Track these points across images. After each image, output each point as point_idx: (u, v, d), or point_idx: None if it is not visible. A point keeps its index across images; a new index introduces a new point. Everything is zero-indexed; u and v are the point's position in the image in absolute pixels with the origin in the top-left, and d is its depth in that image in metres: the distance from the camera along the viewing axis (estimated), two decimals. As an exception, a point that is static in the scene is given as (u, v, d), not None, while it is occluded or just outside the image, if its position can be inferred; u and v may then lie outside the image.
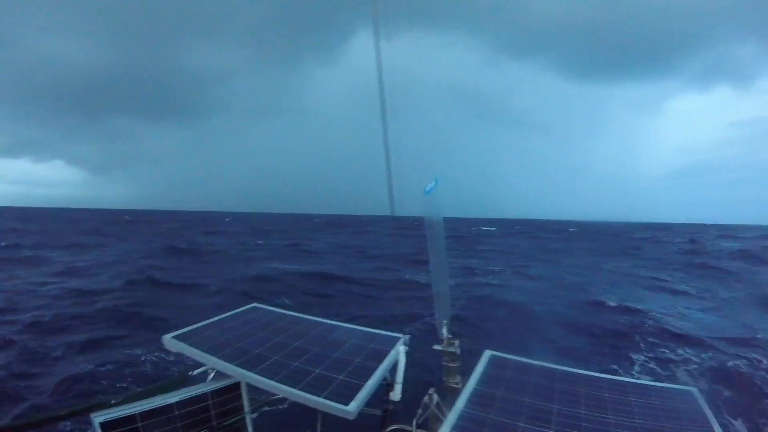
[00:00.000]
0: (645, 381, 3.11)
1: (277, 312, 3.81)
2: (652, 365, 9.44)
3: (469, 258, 27.34)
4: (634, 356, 9.91)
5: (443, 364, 3.01)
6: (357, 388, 2.59)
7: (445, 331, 3.04)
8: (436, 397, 3.01)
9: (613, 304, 14.38)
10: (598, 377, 3.06)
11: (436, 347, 3.03)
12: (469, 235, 52.38)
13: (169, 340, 3.08)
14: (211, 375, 2.93)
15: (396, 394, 2.94)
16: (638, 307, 14.00)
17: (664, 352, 10.14)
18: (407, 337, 3.22)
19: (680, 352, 10.18)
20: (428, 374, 3.13)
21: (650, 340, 10.95)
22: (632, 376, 8.76)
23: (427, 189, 2.66)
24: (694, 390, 2.96)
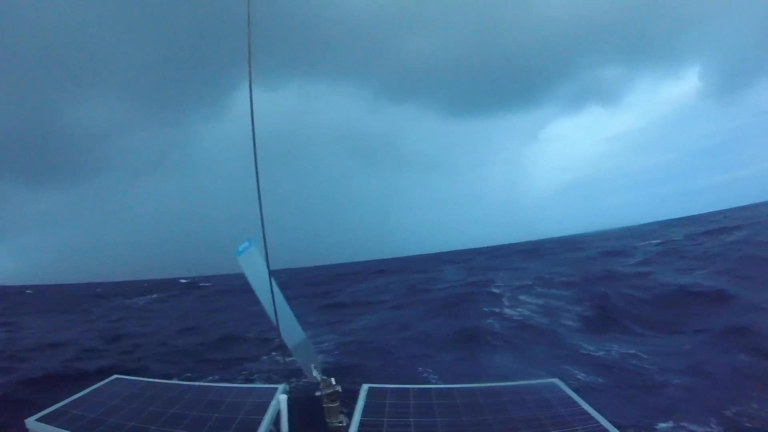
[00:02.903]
0: (513, 382, 3.40)
1: (142, 381, 3.62)
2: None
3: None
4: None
5: (323, 406, 3.04)
6: None
7: (316, 374, 3.08)
8: None
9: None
10: (470, 387, 3.29)
11: (318, 393, 3.04)
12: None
13: (33, 423, 2.78)
14: None
15: None
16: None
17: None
18: (286, 385, 3.19)
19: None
20: (314, 419, 3.10)
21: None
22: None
23: (241, 249, 2.78)
24: (557, 380, 3.29)
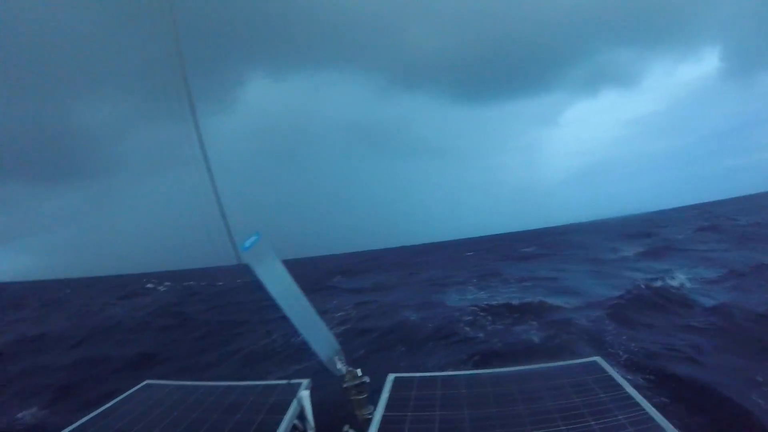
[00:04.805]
0: (549, 364, 3.16)
1: (171, 385, 3.60)
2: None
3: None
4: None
5: (351, 398, 2.93)
6: None
7: (340, 366, 2.96)
8: None
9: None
10: (503, 372, 3.11)
11: (345, 385, 2.93)
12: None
13: None
14: None
15: None
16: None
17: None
18: (308, 380, 3.10)
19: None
20: (342, 412, 3.00)
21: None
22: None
23: (246, 245, 2.67)
24: (598, 359, 3.06)
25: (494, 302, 13.21)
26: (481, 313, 11.97)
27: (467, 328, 10.78)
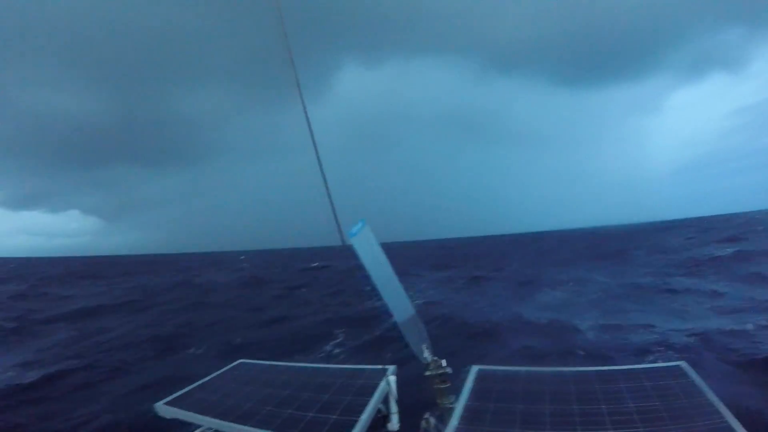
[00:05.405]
0: (633, 366, 3.13)
1: (264, 364, 3.87)
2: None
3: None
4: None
5: (434, 387, 2.98)
6: (351, 425, 2.61)
7: (427, 354, 3.01)
8: (433, 420, 3.03)
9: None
10: (586, 371, 3.08)
11: (427, 373, 2.99)
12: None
13: (161, 407, 3.13)
14: None
15: (393, 424, 2.94)
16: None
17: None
18: (394, 367, 3.20)
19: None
20: (423, 400, 3.08)
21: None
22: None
23: (353, 231, 2.78)
24: (683, 364, 2.98)
25: (576, 320, 12.74)
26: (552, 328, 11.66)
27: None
